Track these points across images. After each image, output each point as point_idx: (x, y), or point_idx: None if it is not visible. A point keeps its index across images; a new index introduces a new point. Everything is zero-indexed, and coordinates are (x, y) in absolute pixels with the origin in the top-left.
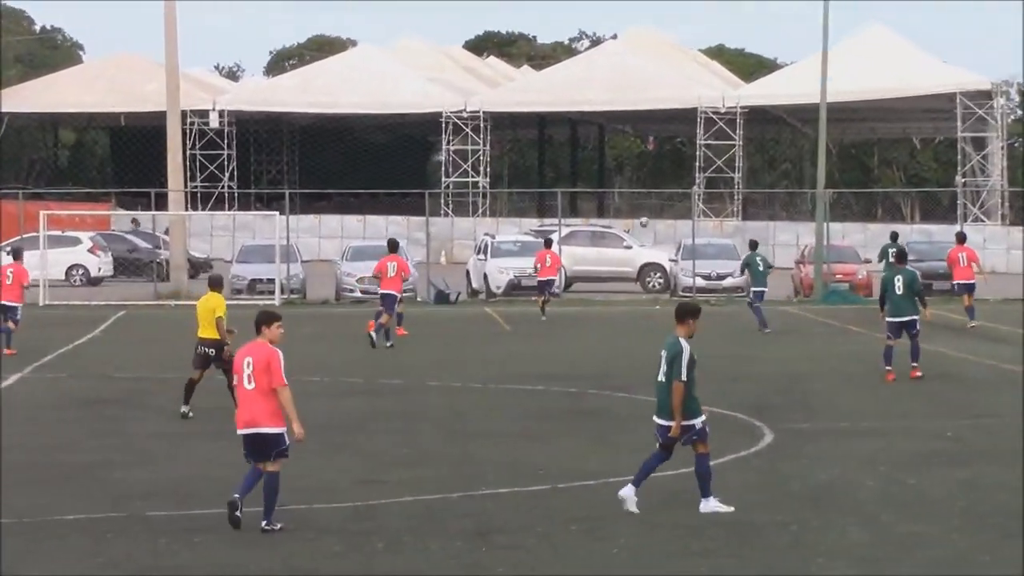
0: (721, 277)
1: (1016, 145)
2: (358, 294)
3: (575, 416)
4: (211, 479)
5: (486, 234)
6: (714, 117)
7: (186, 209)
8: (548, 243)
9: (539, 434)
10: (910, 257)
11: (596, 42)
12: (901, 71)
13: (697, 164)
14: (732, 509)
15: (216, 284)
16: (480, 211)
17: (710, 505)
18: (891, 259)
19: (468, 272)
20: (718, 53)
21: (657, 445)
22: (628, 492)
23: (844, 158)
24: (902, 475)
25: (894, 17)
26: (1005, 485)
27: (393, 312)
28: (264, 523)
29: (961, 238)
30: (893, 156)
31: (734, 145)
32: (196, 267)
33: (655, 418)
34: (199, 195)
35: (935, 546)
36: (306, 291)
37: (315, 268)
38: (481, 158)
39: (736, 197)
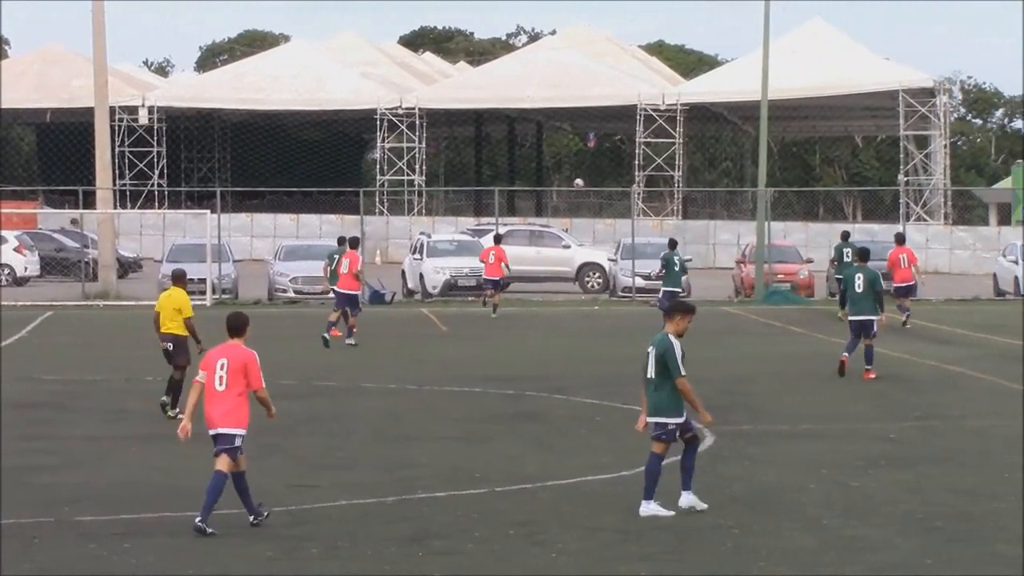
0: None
1: (959, 144)
2: (291, 294)
3: (513, 419)
4: (141, 484)
5: (422, 233)
6: (654, 114)
7: (115, 207)
8: (497, 239)
9: (477, 437)
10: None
11: (534, 38)
12: (843, 68)
13: (637, 162)
14: (672, 513)
15: (179, 279)
16: (416, 210)
17: (650, 509)
18: (848, 258)
19: (404, 272)
20: (658, 50)
21: (653, 448)
22: (687, 499)
23: (785, 156)
24: (845, 478)
25: (836, 14)
26: (949, 487)
27: (351, 310)
28: (252, 518)
29: (900, 239)
30: (835, 155)
31: (674, 143)
32: (125, 267)
33: (649, 418)
34: (128, 193)
35: (878, 550)
36: (238, 291)
37: (247, 268)
38: (417, 156)
39: (676, 196)
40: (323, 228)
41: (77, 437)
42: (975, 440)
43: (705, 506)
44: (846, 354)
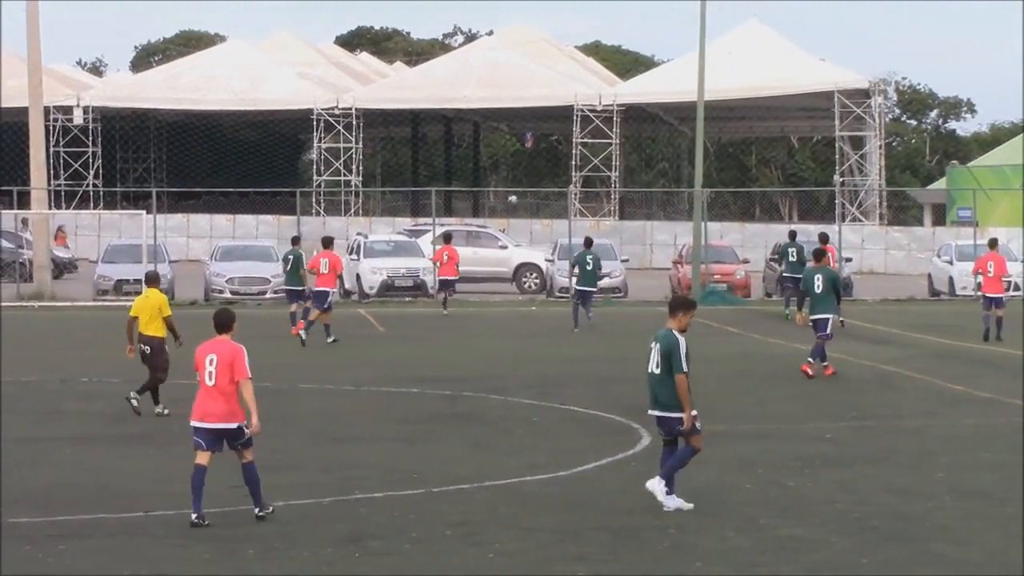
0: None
1: (894, 144)
2: (227, 295)
3: (450, 419)
4: (76, 485)
5: (359, 234)
6: (591, 115)
7: (50, 208)
8: (447, 238)
9: (414, 438)
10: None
11: (471, 38)
12: (779, 69)
13: (573, 163)
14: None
15: (153, 281)
16: (353, 210)
17: (674, 501)
18: (792, 258)
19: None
20: (595, 50)
21: (663, 442)
22: (669, 501)
23: (722, 157)
24: (781, 478)
25: (772, 15)
26: (885, 487)
27: (325, 308)
28: (257, 510)
29: (823, 238)
30: (771, 155)
31: (611, 143)
32: (60, 267)
33: (651, 411)
34: (63, 193)
35: (814, 549)
36: (174, 292)
37: (183, 268)
38: (353, 156)
39: (613, 196)
40: (260, 228)
41: (11, 439)
42: (911, 440)
43: (669, 506)
44: (825, 364)
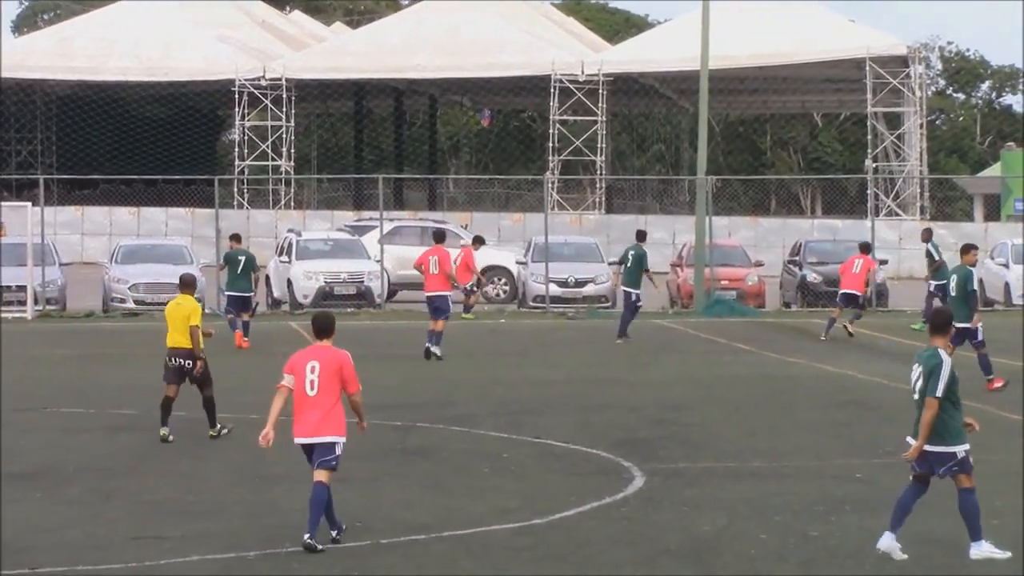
0: (581, 283)
1: (937, 123)
2: (131, 304)
3: (402, 455)
4: None
5: (290, 230)
6: (571, 87)
7: None
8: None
9: (358, 477)
10: (811, 259)
11: None
12: (800, 32)
13: (551, 145)
14: (1008, 555)
15: (189, 285)
16: (283, 202)
17: (983, 550)
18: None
19: (268, 277)
20: (576, 9)
21: (911, 476)
22: (887, 541)
23: (730, 138)
24: (803, 526)
25: None
26: (927, 536)
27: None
28: (307, 536)
29: (865, 247)
30: (790, 136)
31: (596, 121)
32: None
33: (910, 439)
34: None
35: None
36: (66, 301)
37: (77, 273)
38: (284, 137)
39: (599, 185)
40: (169, 224)
41: None
42: None
43: (1008, 554)
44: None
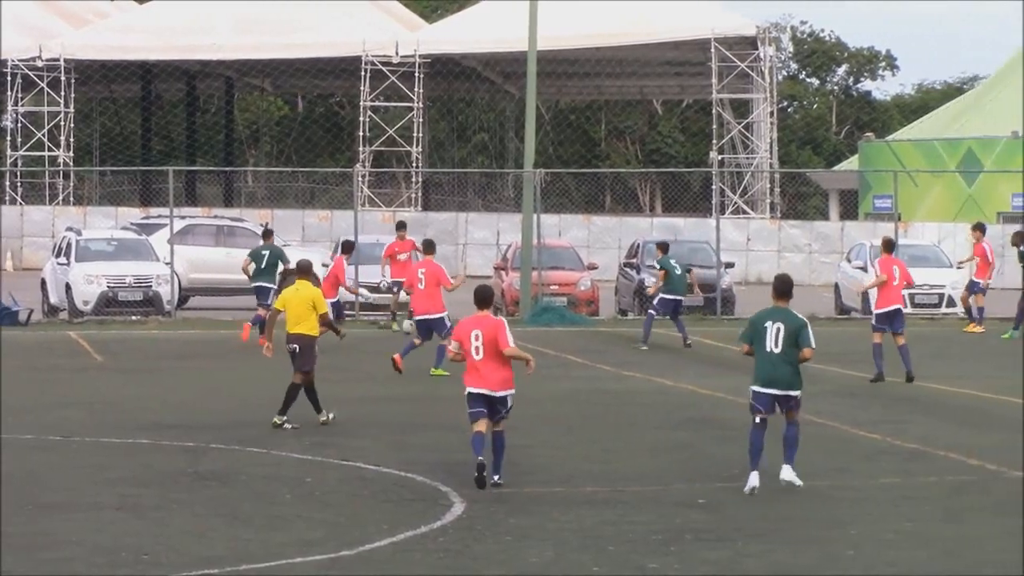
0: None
1: (790, 111)
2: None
3: (193, 480)
4: None
5: (69, 229)
6: (384, 69)
7: None
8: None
9: (144, 505)
10: (650, 262)
11: None
12: (637, 10)
13: (361, 134)
14: (801, 484)
15: (307, 272)
16: (61, 197)
17: (787, 473)
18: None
19: (44, 281)
20: None
21: (757, 419)
22: (756, 479)
23: (561, 127)
24: (640, 557)
25: None
26: (776, 568)
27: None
28: (496, 477)
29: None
30: (626, 125)
31: (412, 108)
32: None
33: (766, 390)
34: None
35: None
36: None
37: None
38: (62, 124)
39: (415, 179)
40: None
41: None
42: (812, 505)
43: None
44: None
